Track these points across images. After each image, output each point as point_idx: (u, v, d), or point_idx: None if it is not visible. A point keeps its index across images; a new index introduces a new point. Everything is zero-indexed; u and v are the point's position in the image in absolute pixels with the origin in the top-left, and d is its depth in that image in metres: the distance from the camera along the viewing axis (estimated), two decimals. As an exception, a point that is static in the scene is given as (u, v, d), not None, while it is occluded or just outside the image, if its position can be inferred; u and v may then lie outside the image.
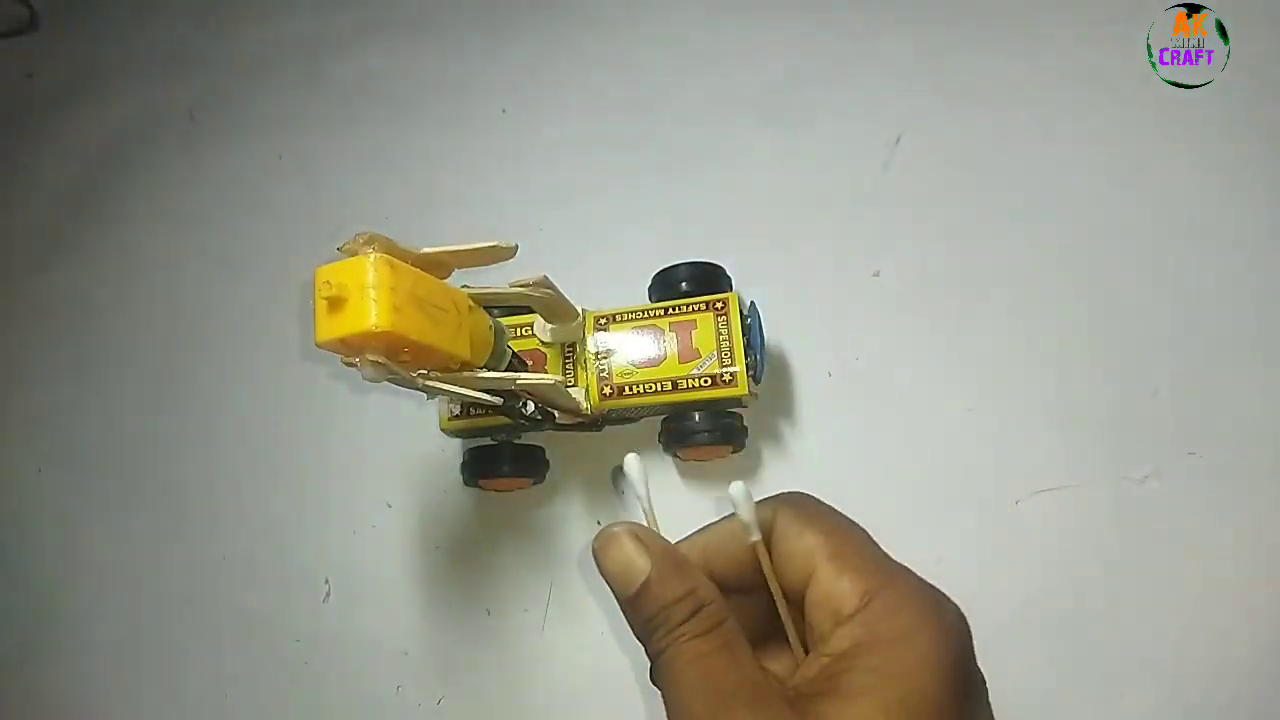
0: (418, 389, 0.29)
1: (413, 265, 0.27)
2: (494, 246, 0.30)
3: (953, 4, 0.54)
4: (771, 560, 0.27)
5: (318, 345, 0.26)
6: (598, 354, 0.41)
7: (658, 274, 0.44)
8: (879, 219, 0.49)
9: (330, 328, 0.26)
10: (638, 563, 0.26)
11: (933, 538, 0.43)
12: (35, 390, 0.55)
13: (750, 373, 0.39)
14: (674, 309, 0.41)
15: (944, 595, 0.26)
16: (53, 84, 0.64)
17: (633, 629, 0.26)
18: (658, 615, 0.25)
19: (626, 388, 0.40)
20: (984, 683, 0.25)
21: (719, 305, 0.41)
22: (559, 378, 0.36)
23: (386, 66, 0.59)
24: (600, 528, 0.27)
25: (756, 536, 0.26)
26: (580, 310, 0.41)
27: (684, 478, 0.46)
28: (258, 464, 0.49)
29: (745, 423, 0.43)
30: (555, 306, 0.38)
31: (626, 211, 0.52)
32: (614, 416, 0.43)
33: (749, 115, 0.53)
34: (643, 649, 0.26)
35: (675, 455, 0.44)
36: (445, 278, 0.30)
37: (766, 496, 0.28)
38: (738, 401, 0.41)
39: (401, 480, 0.48)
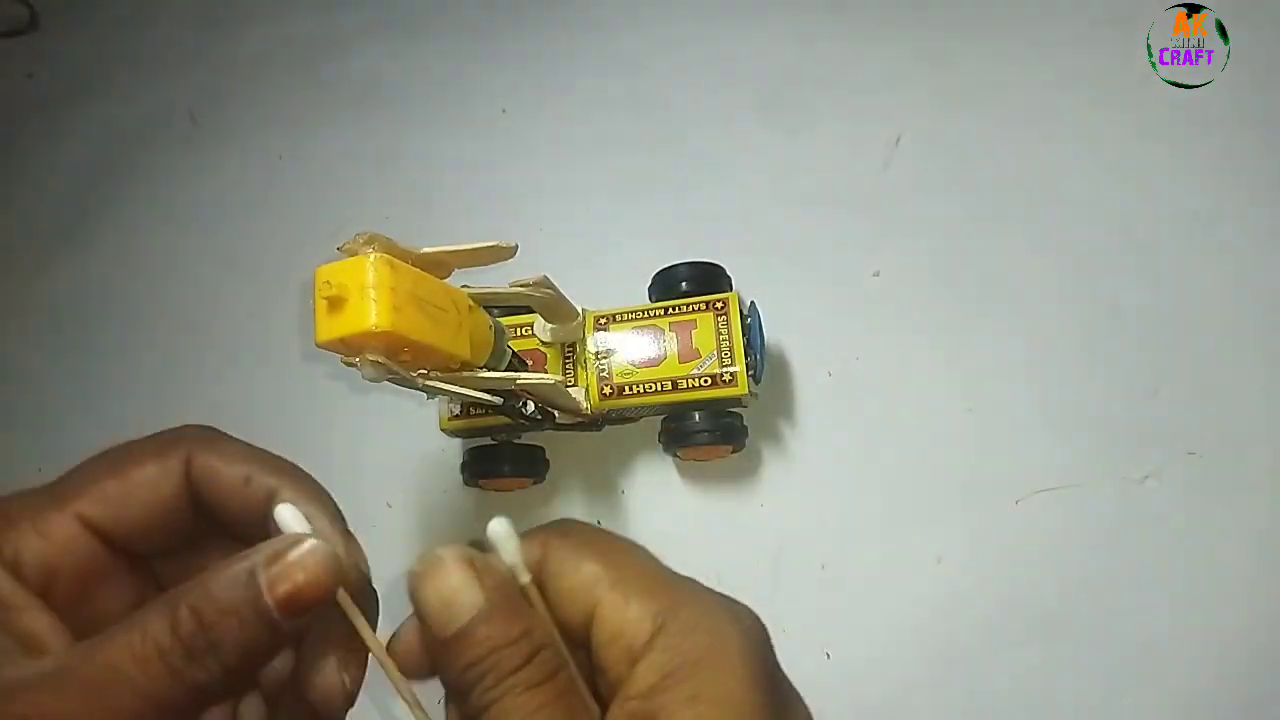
0: (418, 389, 0.29)
1: (413, 265, 0.27)
2: (494, 246, 0.30)
3: (953, 5, 0.54)
4: (547, 603, 0.23)
5: (318, 345, 0.26)
6: (598, 354, 0.41)
7: (658, 274, 0.44)
8: (879, 219, 0.49)
9: (330, 328, 0.26)
10: (465, 597, 0.22)
11: (932, 538, 0.43)
12: (35, 390, 0.55)
13: (750, 373, 0.39)
14: (674, 309, 0.41)
15: (736, 602, 0.23)
16: (53, 84, 0.64)
17: (444, 678, 0.23)
18: (485, 660, 0.21)
19: (626, 387, 0.40)
20: (791, 685, 0.23)
21: (719, 305, 0.41)
22: (559, 378, 0.36)
23: (387, 67, 0.59)
24: (429, 553, 0.23)
25: (526, 578, 0.23)
26: (580, 310, 0.41)
27: (684, 478, 0.46)
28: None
29: (745, 423, 0.43)
30: (555, 306, 0.38)
31: (627, 211, 0.52)
32: (614, 416, 0.43)
33: (749, 116, 0.53)
34: (450, 706, 0.23)
35: (675, 455, 0.44)
36: (445, 278, 0.30)
37: (531, 529, 0.24)
38: (738, 401, 0.41)
39: (401, 480, 0.48)
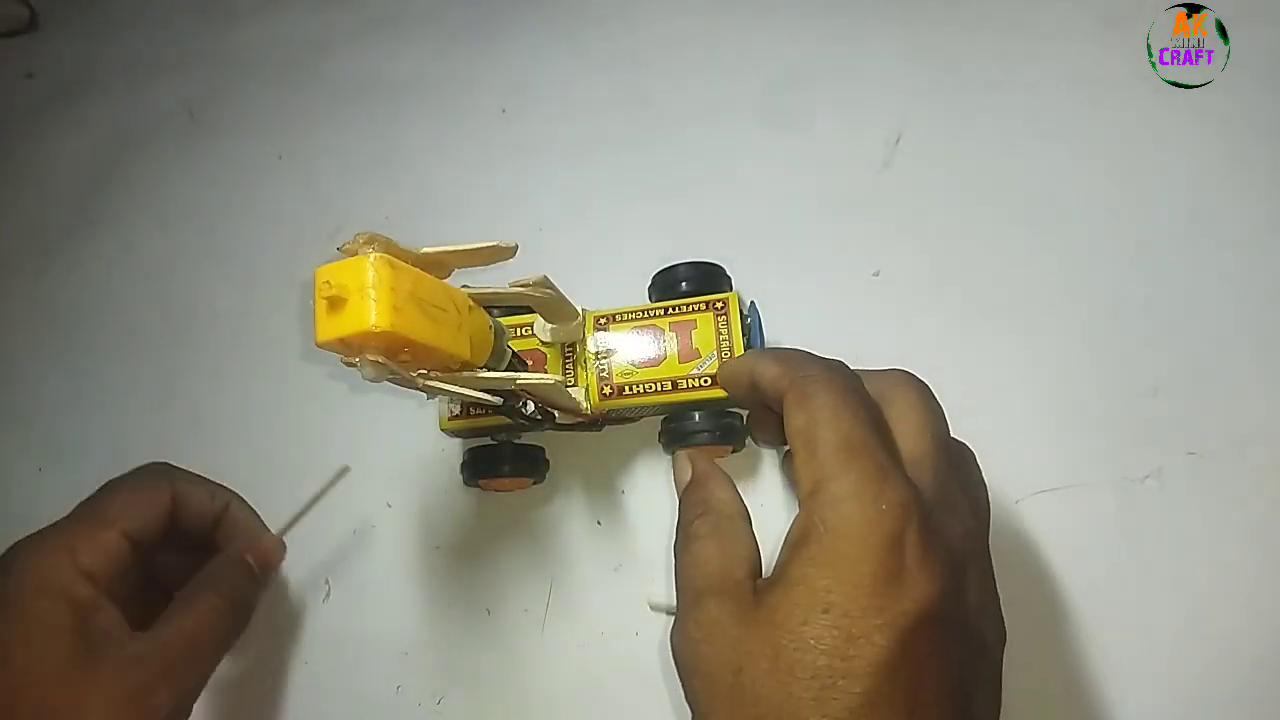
0: (418, 389, 0.29)
1: (413, 265, 0.27)
2: (494, 246, 0.30)
3: (953, 4, 0.54)
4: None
5: (318, 346, 0.26)
6: (598, 354, 0.41)
7: (657, 274, 0.44)
8: (879, 219, 0.49)
9: (330, 328, 0.26)
10: (682, 474, 0.36)
11: (933, 538, 0.43)
12: (35, 390, 0.55)
13: (750, 373, 0.39)
14: (674, 309, 0.41)
15: (892, 478, 0.26)
16: (52, 84, 0.64)
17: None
18: (686, 509, 0.33)
19: (627, 387, 0.40)
20: (932, 558, 0.26)
21: (719, 305, 0.41)
22: (559, 378, 0.36)
23: (387, 66, 0.59)
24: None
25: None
26: (580, 310, 0.41)
27: (684, 478, 0.46)
28: (258, 464, 0.49)
29: (745, 423, 0.43)
30: (555, 307, 0.38)
31: (626, 211, 0.52)
32: (614, 416, 0.43)
33: (749, 115, 0.53)
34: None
35: (675, 455, 0.44)
36: (445, 278, 0.30)
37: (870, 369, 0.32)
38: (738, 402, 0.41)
39: (401, 480, 0.48)
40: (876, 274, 0.48)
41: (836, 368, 0.30)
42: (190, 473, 0.42)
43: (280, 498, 0.44)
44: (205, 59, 0.62)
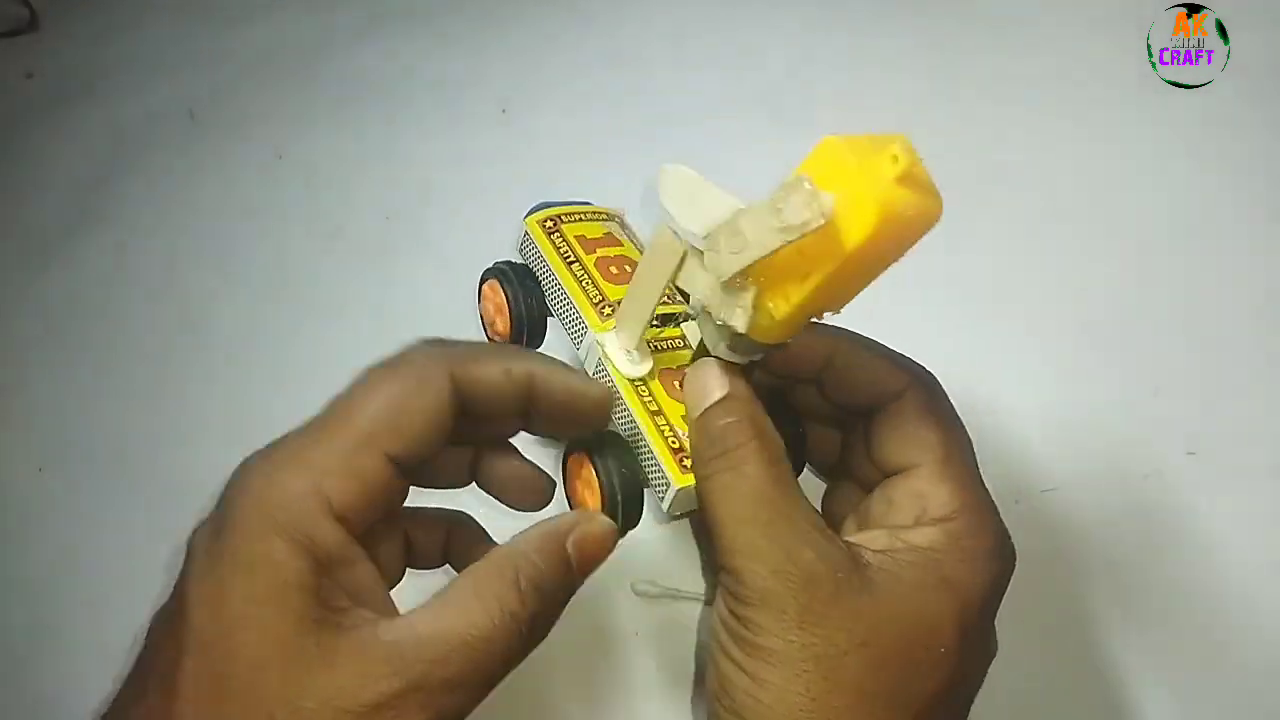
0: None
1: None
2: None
3: (954, 4, 0.54)
4: (880, 437, 0.29)
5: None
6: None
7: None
8: (879, 219, 0.49)
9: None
10: (713, 386, 0.27)
11: (933, 537, 0.43)
12: (35, 390, 0.55)
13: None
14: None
15: (1008, 534, 0.27)
16: (53, 84, 0.64)
17: (694, 453, 0.28)
18: (716, 433, 0.26)
19: None
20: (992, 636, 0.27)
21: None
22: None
23: (386, 65, 0.59)
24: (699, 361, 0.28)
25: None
26: None
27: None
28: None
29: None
30: None
31: (626, 210, 0.52)
32: None
33: (751, 113, 0.53)
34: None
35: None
36: None
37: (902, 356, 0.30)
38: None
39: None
40: (877, 274, 0.48)
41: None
42: (472, 344, 0.28)
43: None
44: (205, 59, 0.62)
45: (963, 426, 0.29)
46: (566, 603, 0.26)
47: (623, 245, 0.38)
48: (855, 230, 0.21)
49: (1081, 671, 0.40)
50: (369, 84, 0.59)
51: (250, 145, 0.59)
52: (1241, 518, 0.41)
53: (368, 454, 0.25)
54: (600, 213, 0.40)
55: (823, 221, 0.21)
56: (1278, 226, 0.46)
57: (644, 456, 0.31)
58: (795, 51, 0.54)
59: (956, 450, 0.28)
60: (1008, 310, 0.46)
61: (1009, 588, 0.31)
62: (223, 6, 0.64)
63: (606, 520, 0.28)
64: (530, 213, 0.38)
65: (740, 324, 0.24)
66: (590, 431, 0.31)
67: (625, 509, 0.31)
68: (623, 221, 0.40)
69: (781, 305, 0.24)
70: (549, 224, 0.37)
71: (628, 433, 0.32)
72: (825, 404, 0.31)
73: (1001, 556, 0.27)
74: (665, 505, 0.30)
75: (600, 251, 0.37)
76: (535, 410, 0.29)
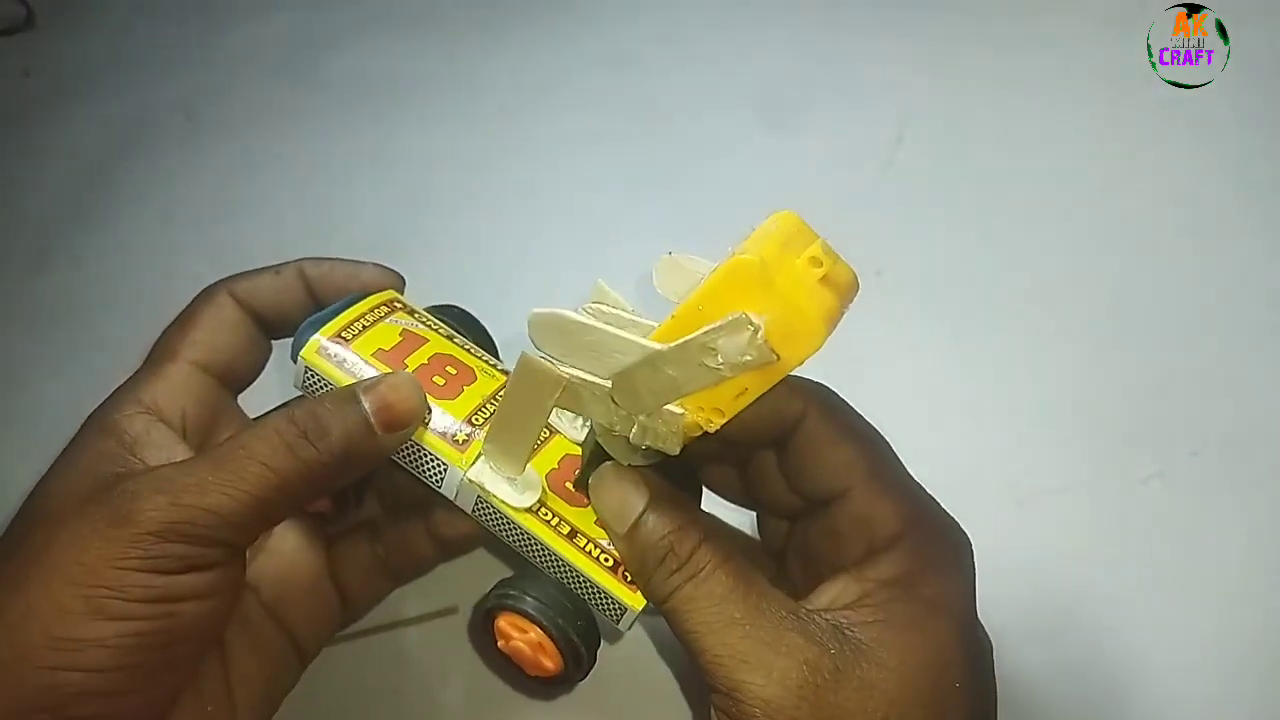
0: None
1: None
2: None
3: (954, 4, 0.54)
4: (797, 469, 0.27)
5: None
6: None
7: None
8: (880, 218, 0.49)
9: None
10: (633, 498, 0.25)
11: (934, 538, 0.43)
12: (35, 390, 0.55)
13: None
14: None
15: (955, 521, 0.26)
16: (49, 82, 0.64)
17: (632, 572, 0.26)
18: (660, 544, 0.24)
19: None
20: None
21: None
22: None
23: (384, 65, 0.59)
24: (599, 470, 0.26)
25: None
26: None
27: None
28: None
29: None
30: None
31: (625, 211, 0.52)
32: None
33: (749, 113, 0.53)
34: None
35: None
36: None
37: (795, 380, 0.25)
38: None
39: (401, 480, 0.48)
40: (879, 273, 0.48)
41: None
42: (248, 272, 0.33)
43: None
44: (203, 58, 0.62)
45: (873, 429, 0.27)
46: (368, 459, 0.26)
47: (429, 340, 0.32)
48: (800, 349, 0.21)
49: (1083, 672, 0.40)
50: (366, 83, 0.59)
51: (247, 144, 0.59)
52: (1245, 518, 0.42)
53: (170, 363, 0.30)
54: (378, 305, 0.32)
55: (773, 359, 0.20)
56: (1278, 226, 0.46)
57: (578, 586, 0.28)
58: (795, 53, 0.54)
59: (879, 460, 0.26)
60: (1008, 309, 0.46)
61: (1009, 593, 0.31)
62: (220, 5, 0.64)
63: (404, 375, 0.28)
64: (300, 338, 0.31)
65: (674, 447, 0.23)
66: (461, 553, 0.32)
67: (588, 648, 0.28)
68: (400, 300, 0.34)
69: (716, 420, 0.23)
70: (333, 351, 0.30)
71: (544, 565, 0.28)
72: (717, 445, 0.26)
73: (962, 547, 0.25)
74: (625, 628, 0.28)
75: (410, 362, 0.30)
76: (321, 299, 0.31)
